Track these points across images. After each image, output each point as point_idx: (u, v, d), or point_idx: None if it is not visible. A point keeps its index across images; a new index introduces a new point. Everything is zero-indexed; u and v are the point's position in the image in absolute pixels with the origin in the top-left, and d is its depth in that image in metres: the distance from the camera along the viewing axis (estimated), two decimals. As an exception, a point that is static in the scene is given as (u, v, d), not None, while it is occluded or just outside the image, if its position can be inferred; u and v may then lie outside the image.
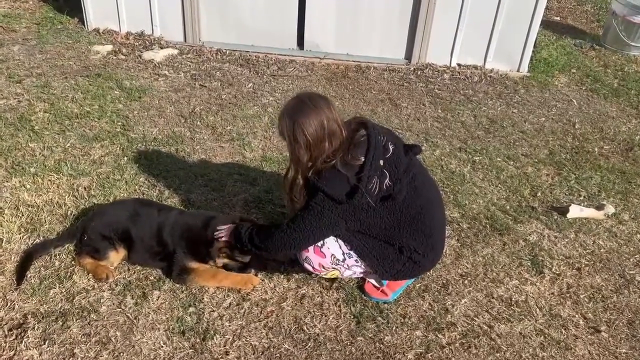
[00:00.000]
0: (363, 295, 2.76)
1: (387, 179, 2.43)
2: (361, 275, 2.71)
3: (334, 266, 2.61)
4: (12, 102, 4.29)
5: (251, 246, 2.59)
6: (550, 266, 3.07)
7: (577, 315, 2.78)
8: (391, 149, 2.49)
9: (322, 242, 2.55)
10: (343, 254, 2.58)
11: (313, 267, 2.62)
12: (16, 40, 5.34)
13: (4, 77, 4.66)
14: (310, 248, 2.56)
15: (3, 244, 2.91)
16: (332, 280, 2.80)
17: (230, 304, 2.69)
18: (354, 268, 2.64)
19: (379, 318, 2.66)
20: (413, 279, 2.85)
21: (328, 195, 2.37)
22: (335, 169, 2.38)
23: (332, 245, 2.56)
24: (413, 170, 2.57)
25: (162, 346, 2.46)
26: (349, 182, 2.37)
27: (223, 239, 2.68)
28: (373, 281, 2.72)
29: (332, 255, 2.57)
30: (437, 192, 2.83)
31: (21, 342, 2.42)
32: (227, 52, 5.53)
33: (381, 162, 2.42)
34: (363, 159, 2.39)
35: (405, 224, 2.53)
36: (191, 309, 2.63)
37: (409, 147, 2.63)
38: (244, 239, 2.59)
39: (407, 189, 2.49)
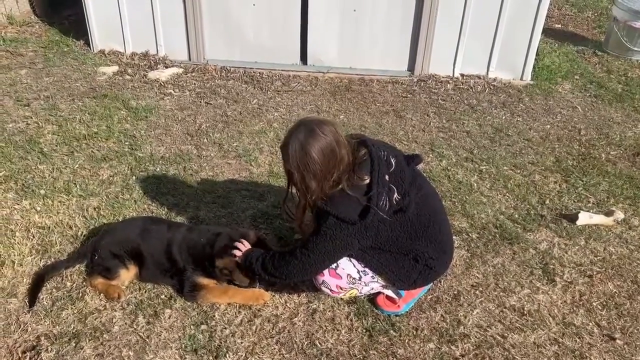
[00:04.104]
0: (375, 309, 2.76)
1: (395, 193, 2.43)
2: (380, 289, 2.69)
3: (351, 285, 2.59)
4: (20, 125, 4.34)
5: (265, 274, 2.56)
6: (561, 274, 3.06)
7: (590, 323, 2.76)
8: (393, 162, 2.48)
9: (336, 264, 2.53)
10: (358, 272, 2.57)
11: (331, 290, 2.61)
12: (23, 64, 5.41)
13: (12, 100, 4.72)
14: (325, 272, 2.54)
15: (15, 266, 2.93)
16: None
17: (241, 320, 2.69)
18: (371, 284, 2.63)
19: (391, 331, 2.65)
20: (425, 291, 2.85)
21: (339, 218, 2.35)
22: (344, 192, 2.36)
23: (347, 266, 2.55)
24: (418, 181, 2.58)
25: (175, 365, 2.46)
26: (359, 203, 2.36)
27: (236, 259, 2.67)
28: (391, 293, 2.70)
29: (348, 275, 2.56)
30: (439, 197, 2.86)
31: (35, 364, 2.43)
32: (232, 69, 5.58)
33: (387, 178, 2.42)
34: (369, 178, 2.39)
35: (418, 234, 2.53)
36: (203, 327, 2.64)
37: (410, 157, 2.63)
38: (256, 268, 2.56)
39: (415, 200, 2.49)
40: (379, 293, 2.75)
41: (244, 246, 2.68)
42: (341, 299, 2.77)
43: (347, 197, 2.37)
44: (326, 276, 2.56)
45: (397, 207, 2.43)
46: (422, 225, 2.54)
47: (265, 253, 2.59)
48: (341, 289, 2.60)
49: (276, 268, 2.52)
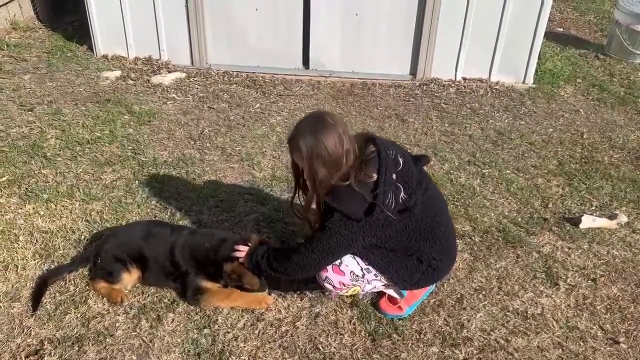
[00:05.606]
0: (377, 312, 2.76)
1: (402, 192, 2.44)
2: (382, 288, 2.70)
3: (354, 282, 2.61)
4: (24, 130, 4.36)
5: (270, 270, 2.58)
6: (565, 278, 3.05)
7: (594, 327, 2.75)
8: (401, 161, 2.49)
9: (339, 260, 2.55)
10: (361, 269, 2.58)
11: (334, 286, 2.62)
12: (27, 69, 5.44)
13: (16, 105, 4.74)
14: (329, 267, 2.56)
15: (18, 270, 2.94)
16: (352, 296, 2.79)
17: (244, 324, 2.69)
18: (374, 282, 2.63)
19: (395, 335, 2.65)
20: (427, 294, 2.84)
21: (345, 214, 2.37)
22: (351, 188, 2.37)
23: (350, 262, 2.56)
24: (425, 182, 2.59)
25: (178, 369, 2.46)
26: (365, 200, 2.37)
27: (240, 260, 2.67)
28: (393, 293, 2.70)
29: (351, 272, 2.57)
30: (443, 199, 2.86)
31: (38, 368, 2.43)
32: (234, 73, 5.59)
33: (394, 176, 2.43)
34: (376, 176, 2.40)
35: (422, 235, 2.54)
36: (206, 331, 2.63)
37: (418, 158, 2.64)
38: (262, 265, 2.57)
39: (421, 200, 2.50)
40: (381, 296, 2.75)
41: (245, 248, 2.68)
42: (343, 301, 2.77)
43: (353, 193, 2.38)
44: (329, 272, 2.57)
45: (403, 206, 2.44)
46: (427, 225, 2.55)
47: (270, 250, 2.61)
48: (344, 285, 2.61)
49: (280, 263, 2.54)
